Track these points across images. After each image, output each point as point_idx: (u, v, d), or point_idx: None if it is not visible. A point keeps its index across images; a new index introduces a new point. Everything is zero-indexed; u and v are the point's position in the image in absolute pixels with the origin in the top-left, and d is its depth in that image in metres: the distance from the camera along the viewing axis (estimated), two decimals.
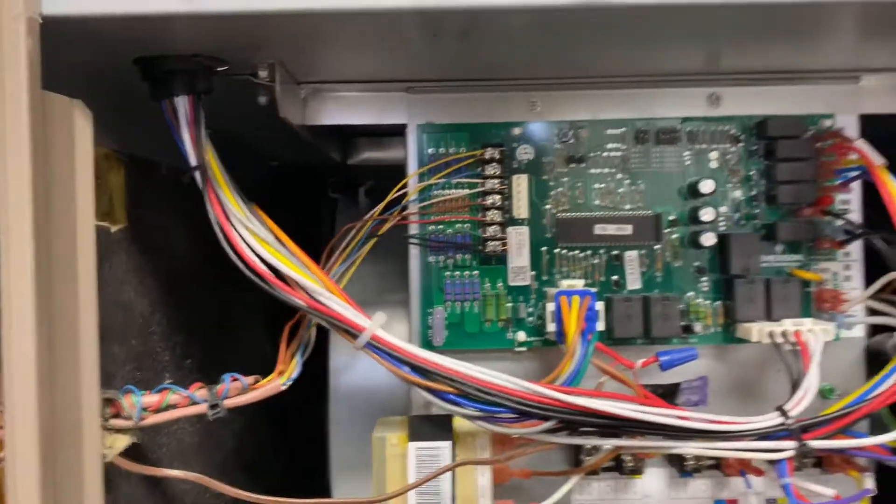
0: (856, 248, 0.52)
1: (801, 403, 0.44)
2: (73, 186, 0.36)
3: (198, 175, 0.43)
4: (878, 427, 0.51)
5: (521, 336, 0.51)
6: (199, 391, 0.42)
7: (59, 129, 0.35)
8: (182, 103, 0.42)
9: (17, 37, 0.33)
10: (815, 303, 0.51)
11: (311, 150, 0.59)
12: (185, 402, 0.42)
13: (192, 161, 0.42)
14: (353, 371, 0.65)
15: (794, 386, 0.45)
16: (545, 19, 0.37)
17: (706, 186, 0.49)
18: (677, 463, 0.52)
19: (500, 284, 0.51)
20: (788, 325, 0.47)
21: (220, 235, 0.42)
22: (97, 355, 0.38)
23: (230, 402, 0.42)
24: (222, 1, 0.34)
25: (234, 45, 0.40)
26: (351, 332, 0.43)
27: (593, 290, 0.46)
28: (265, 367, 0.45)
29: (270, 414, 0.66)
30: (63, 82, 0.36)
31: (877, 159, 0.44)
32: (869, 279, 0.52)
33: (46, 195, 0.34)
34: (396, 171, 0.52)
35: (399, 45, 0.43)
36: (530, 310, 0.51)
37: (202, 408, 0.42)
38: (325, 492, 0.60)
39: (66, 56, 0.39)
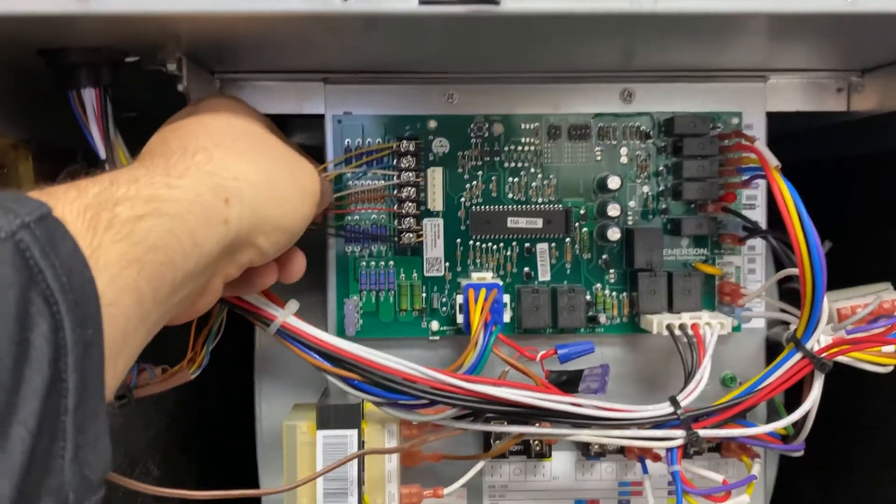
0: (759, 243, 0.54)
1: (692, 394, 0.46)
2: None
3: (107, 168, 0.43)
4: (775, 414, 0.54)
5: (435, 325, 0.52)
6: None
7: None
8: (89, 96, 0.42)
9: None
10: (717, 296, 0.53)
11: None
12: None
13: (101, 155, 0.43)
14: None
15: (688, 377, 0.47)
16: (433, 23, 0.37)
17: (613, 183, 0.51)
18: (583, 447, 0.54)
19: (415, 275, 0.52)
20: (686, 318, 0.49)
21: None
22: None
23: (139, 393, 0.43)
24: (115, 2, 0.34)
25: (139, 40, 0.40)
26: (263, 321, 0.44)
27: (500, 283, 0.48)
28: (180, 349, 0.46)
29: (203, 390, 0.66)
30: None
31: (771, 161, 0.45)
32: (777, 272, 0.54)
33: None
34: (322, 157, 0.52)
35: (307, 42, 0.43)
36: (444, 300, 0.52)
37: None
38: (254, 469, 0.61)
39: None
